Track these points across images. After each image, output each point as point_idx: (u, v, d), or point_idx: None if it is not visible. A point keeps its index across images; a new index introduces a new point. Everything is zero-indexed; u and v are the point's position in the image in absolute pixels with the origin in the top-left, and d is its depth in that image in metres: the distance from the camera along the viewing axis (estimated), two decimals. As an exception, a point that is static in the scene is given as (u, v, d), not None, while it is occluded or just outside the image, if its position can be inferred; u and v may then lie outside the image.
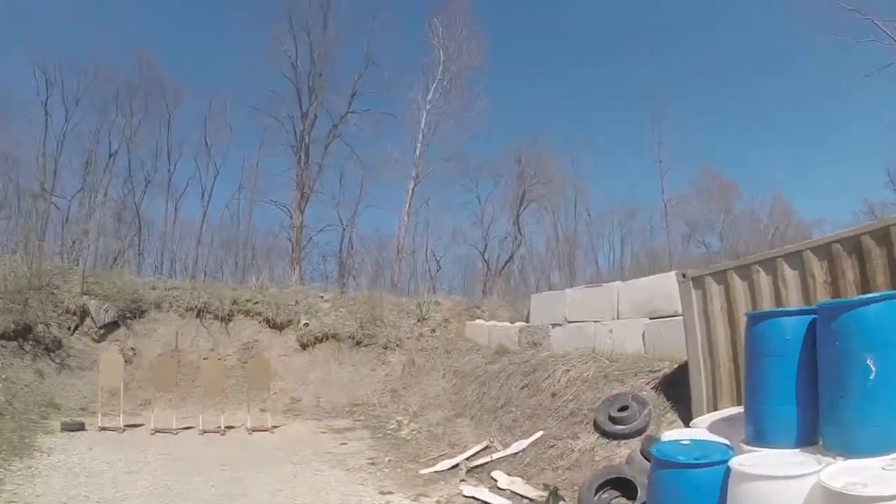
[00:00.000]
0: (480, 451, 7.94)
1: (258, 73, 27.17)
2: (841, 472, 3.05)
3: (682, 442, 4.13)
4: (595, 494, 4.99)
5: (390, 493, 6.53)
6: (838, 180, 47.25)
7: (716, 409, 5.45)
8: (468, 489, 6.46)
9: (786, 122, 46.38)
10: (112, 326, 13.07)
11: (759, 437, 3.95)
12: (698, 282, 6.06)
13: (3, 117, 25.63)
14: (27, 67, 26.25)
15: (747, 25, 44.74)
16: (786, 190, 53.41)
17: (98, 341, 12.70)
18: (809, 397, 3.73)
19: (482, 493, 6.26)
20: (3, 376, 10.09)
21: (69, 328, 12.52)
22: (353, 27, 28.37)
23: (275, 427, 10.45)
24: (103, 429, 9.33)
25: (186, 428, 9.97)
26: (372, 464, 8.02)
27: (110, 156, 27.16)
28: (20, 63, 32.57)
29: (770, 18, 44.02)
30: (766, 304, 5.12)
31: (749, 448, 3.90)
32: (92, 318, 12.87)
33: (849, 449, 3.36)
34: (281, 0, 26.77)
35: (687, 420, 5.45)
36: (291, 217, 26.63)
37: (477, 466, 7.36)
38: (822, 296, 4.67)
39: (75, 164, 26.67)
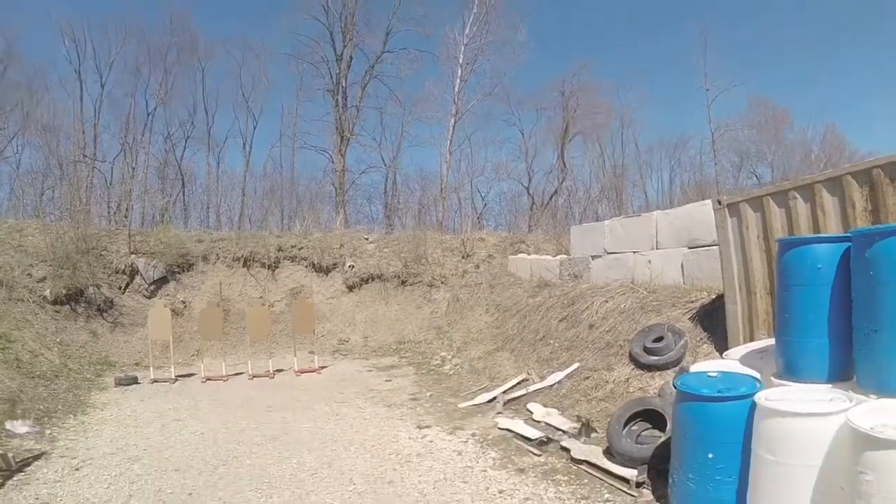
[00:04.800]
0: (518, 383, 8.04)
1: (290, 19, 26.31)
2: (872, 412, 2.89)
3: (710, 374, 3.99)
4: (624, 427, 4.95)
5: (427, 427, 6.70)
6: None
7: (752, 340, 5.29)
8: (504, 421, 6.55)
9: (842, 46, 43.06)
10: (161, 282, 13.51)
11: (791, 371, 3.82)
12: (734, 209, 5.77)
13: (39, 89, 25.69)
14: (55, 34, 26.54)
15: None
16: (841, 120, 50.43)
17: (149, 297, 13.17)
18: (843, 330, 3.55)
19: (517, 425, 6.33)
20: (58, 339, 10.56)
21: (120, 287, 12.97)
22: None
23: (322, 368, 10.83)
24: (155, 381, 9.75)
25: (236, 374, 10.39)
26: (413, 399, 8.23)
27: (148, 115, 27.14)
28: (49, 31, 32.04)
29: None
30: (804, 233, 4.84)
31: (779, 382, 3.76)
32: (141, 275, 13.31)
33: (882, 386, 3.20)
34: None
35: (723, 351, 5.30)
36: (333, 161, 26.61)
37: (514, 399, 7.45)
38: (862, 224, 4.36)
39: (114, 127, 26.90)
